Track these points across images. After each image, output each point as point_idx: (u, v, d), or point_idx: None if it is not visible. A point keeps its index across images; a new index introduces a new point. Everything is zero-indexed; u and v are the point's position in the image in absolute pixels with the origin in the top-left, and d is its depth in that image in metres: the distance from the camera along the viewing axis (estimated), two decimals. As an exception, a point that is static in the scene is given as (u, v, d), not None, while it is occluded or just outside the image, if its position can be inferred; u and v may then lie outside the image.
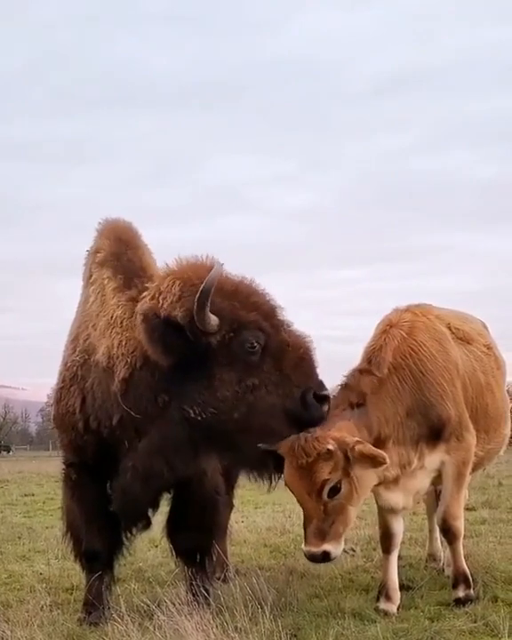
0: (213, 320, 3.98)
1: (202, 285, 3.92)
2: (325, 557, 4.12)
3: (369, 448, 4.10)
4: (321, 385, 4.21)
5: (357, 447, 4.06)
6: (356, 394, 4.38)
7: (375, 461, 4.10)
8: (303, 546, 4.14)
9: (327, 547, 4.08)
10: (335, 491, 4.10)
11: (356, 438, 4.12)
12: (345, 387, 4.46)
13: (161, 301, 4.09)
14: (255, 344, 4.08)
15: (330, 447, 4.02)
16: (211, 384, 4.08)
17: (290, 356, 4.16)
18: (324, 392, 4.18)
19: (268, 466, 4.27)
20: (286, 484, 4.23)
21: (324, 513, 4.09)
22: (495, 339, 5.56)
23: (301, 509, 4.22)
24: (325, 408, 4.18)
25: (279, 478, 4.33)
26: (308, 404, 4.10)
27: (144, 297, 4.25)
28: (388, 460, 4.12)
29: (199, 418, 4.09)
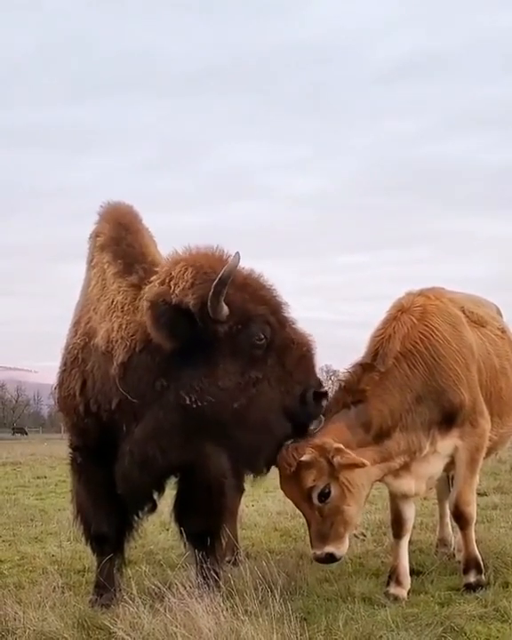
0: (225, 309, 3.97)
1: (221, 272, 3.91)
2: (330, 558, 4.19)
3: (347, 458, 4.09)
4: (320, 383, 4.26)
5: (335, 459, 4.08)
6: (352, 393, 4.37)
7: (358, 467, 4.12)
8: (310, 549, 4.20)
9: (329, 548, 4.16)
10: (325, 495, 4.15)
11: (337, 445, 4.10)
12: (341, 388, 4.45)
13: (172, 287, 4.06)
14: (262, 337, 4.09)
15: (305, 458, 4.05)
16: (212, 373, 4.07)
17: (293, 353, 4.18)
18: (323, 390, 4.23)
19: (258, 460, 4.31)
20: (284, 493, 4.34)
21: (320, 517, 4.16)
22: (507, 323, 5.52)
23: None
24: (323, 404, 4.22)
25: (267, 472, 4.41)
26: (307, 401, 4.14)
27: (152, 281, 4.22)
28: (368, 464, 4.14)
29: (195, 405, 4.07)
